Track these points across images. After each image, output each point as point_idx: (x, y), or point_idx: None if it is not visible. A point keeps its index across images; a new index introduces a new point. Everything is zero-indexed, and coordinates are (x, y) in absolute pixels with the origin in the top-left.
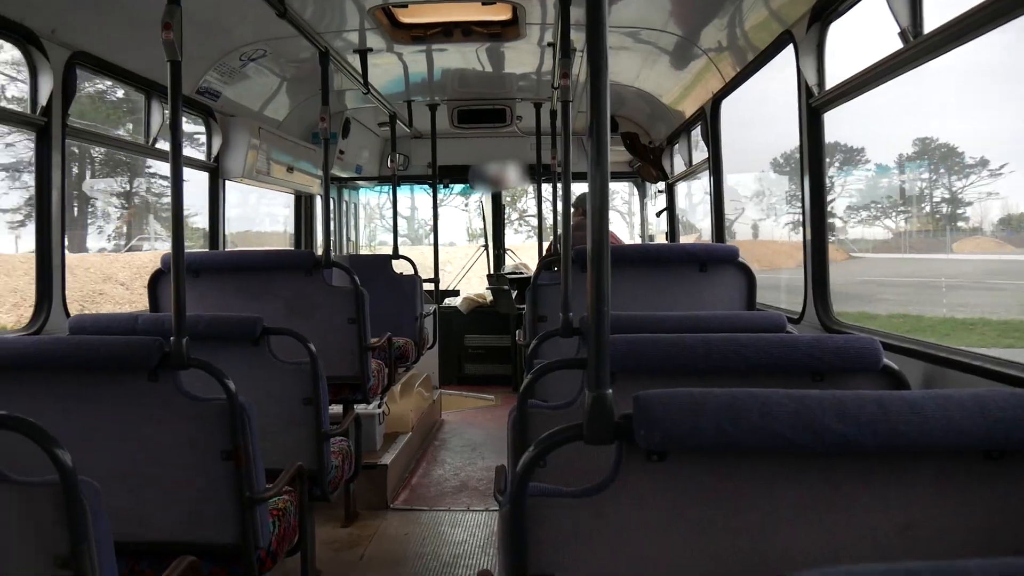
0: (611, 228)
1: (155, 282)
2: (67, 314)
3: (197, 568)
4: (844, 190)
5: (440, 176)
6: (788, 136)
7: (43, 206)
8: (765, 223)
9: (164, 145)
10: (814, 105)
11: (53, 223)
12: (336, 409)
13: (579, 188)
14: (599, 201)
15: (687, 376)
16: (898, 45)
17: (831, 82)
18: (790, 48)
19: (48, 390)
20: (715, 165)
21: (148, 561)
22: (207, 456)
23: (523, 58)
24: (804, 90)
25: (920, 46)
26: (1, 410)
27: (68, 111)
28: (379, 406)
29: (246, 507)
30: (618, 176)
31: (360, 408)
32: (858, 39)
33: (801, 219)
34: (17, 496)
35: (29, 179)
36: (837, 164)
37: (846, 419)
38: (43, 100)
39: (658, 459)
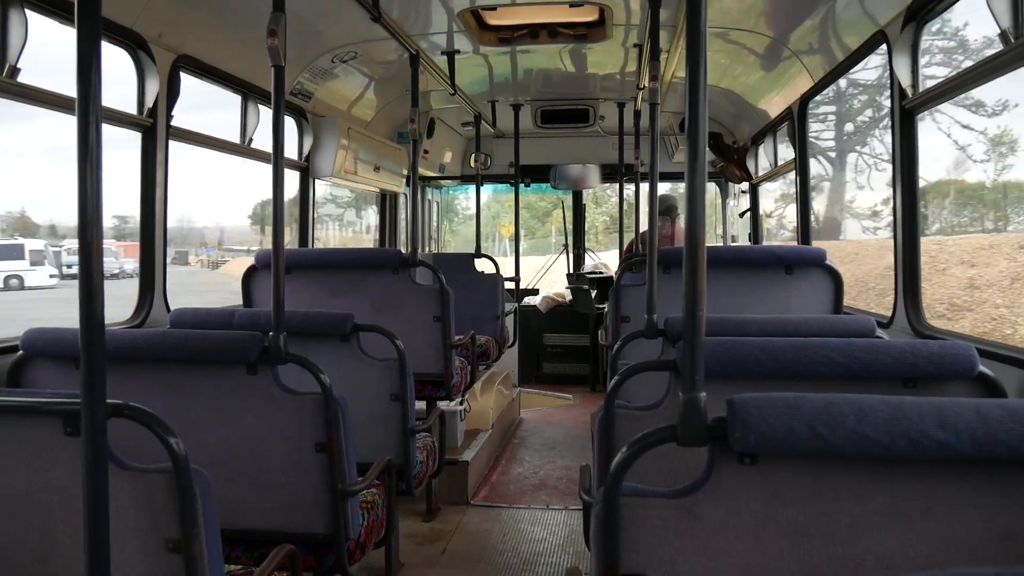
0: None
1: (248, 278)
2: (168, 308)
3: (295, 557)
4: None
5: (522, 175)
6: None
7: (147, 204)
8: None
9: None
10: (908, 107)
11: (156, 220)
12: (419, 405)
13: (662, 188)
14: (695, 202)
15: (775, 380)
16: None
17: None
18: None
19: (153, 381)
20: (802, 165)
21: (243, 547)
22: (302, 448)
23: (607, 58)
24: (897, 91)
25: (1022, 47)
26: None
27: (172, 112)
28: (461, 403)
29: (338, 499)
30: None
31: (443, 405)
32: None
33: (892, 222)
34: (133, 482)
35: None
36: None
37: (945, 426)
38: (149, 102)
39: (750, 462)
